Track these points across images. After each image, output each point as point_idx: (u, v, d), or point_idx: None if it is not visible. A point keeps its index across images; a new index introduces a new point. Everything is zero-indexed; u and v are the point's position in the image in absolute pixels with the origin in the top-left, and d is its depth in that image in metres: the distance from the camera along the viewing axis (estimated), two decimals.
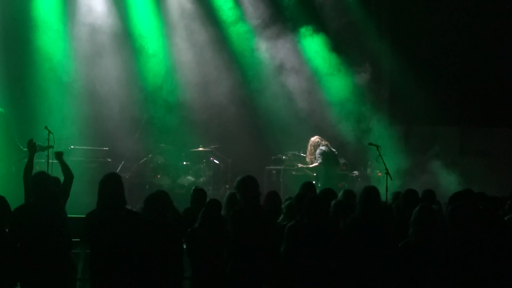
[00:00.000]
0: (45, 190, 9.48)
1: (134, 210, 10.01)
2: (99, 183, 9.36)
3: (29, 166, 11.05)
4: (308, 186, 11.50)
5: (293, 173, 18.42)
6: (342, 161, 18.49)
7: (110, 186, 9.32)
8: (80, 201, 14.19)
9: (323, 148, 17.75)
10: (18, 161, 14.82)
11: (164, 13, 20.16)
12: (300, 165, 18.17)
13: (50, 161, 14.42)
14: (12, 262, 9.17)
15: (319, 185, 17.23)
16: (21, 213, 9.35)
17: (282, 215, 10.62)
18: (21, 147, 15.01)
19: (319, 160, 17.64)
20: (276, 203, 10.85)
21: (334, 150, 18.08)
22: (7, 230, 9.30)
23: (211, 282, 9.46)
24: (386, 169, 15.17)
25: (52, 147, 14.31)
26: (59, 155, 11.66)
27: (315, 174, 17.91)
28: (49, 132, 14.28)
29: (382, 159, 15.42)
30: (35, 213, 9.24)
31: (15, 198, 10.07)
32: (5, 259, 9.15)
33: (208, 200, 10.27)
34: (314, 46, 20.46)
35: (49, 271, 9.14)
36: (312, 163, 17.90)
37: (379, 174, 17.52)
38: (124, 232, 9.03)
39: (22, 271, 9.19)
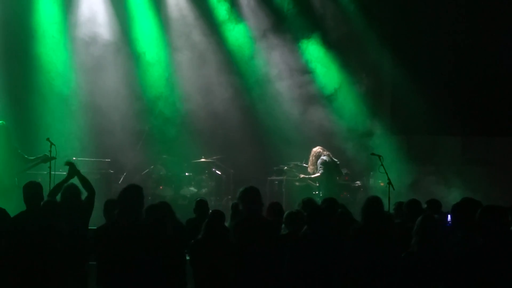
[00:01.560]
0: (38, 200, 9.47)
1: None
2: (119, 194, 9.25)
3: (60, 185, 11.17)
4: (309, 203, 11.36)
5: (296, 183, 18.40)
6: (344, 171, 18.48)
7: (129, 197, 9.21)
8: None
9: (324, 158, 17.77)
10: (21, 172, 14.84)
11: (164, 23, 20.19)
12: (302, 176, 18.18)
13: (53, 172, 14.46)
14: (9, 272, 9.16)
15: (321, 194, 17.25)
16: (15, 223, 9.35)
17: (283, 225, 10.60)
18: (26, 156, 15.02)
19: (321, 170, 17.65)
20: (279, 214, 10.83)
21: (336, 160, 18.08)
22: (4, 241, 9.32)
23: None
24: (389, 179, 15.15)
25: (54, 158, 14.36)
26: (72, 169, 11.63)
27: (317, 184, 17.93)
28: (51, 143, 14.33)
29: (385, 169, 15.40)
30: (28, 222, 9.22)
31: (18, 210, 10.05)
32: (3, 270, 9.16)
33: (211, 211, 10.26)
34: (315, 55, 20.48)
35: (44, 281, 9.10)
36: (314, 174, 17.92)
37: (382, 184, 17.52)
38: (142, 244, 8.96)
39: (18, 281, 9.16)
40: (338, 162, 18.15)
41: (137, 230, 9.07)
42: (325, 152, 17.96)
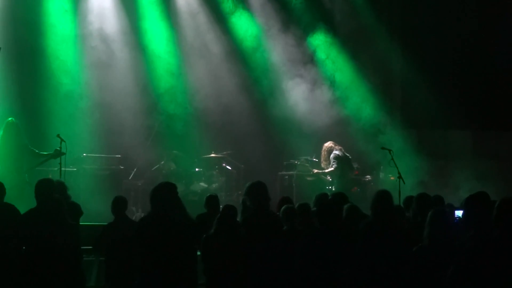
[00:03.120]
0: (49, 198, 9.46)
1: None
2: (152, 191, 9.19)
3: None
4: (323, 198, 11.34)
5: (306, 178, 18.38)
6: (355, 165, 18.45)
7: (163, 194, 9.15)
8: (93, 209, 14.25)
9: (337, 152, 17.71)
10: (31, 169, 14.87)
11: (172, 17, 20.18)
12: (315, 171, 18.14)
13: (63, 168, 14.50)
14: (17, 271, 9.17)
15: (334, 189, 17.20)
16: (25, 220, 9.36)
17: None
18: (37, 151, 15.04)
19: (334, 165, 17.57)
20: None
21: (348, 154, 18.04)
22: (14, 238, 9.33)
23: None
24: (399, 173, 15.17)
25: (64, 153, 14.42)
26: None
27: (329, 179, 17.89)
28: (61, 140, 14.38)
29: (395, 163, 15.42)
30: (39, 220, 9.22)
31: (28, 206, 10.08)
32: (11, 268, 9.17)
33: (223, 206, 10.24)
34: (324, 49, 20.48)
35: (52, 279, 9.10)
36: (326, 169, 17.88)
37: (392, 178, 17.48)
38: (173, 239, 8.94)
39: (26, 279, 9.16)
40: (350, 157, 18.12)
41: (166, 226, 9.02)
42: (337, 147, 17.92)
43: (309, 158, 18.86)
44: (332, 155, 17.72)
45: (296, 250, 9.22)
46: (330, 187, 17.62)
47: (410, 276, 8.40)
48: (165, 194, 9.08)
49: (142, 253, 8.99)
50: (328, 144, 18.00)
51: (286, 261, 9.30)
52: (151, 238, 8.90)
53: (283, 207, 10.28)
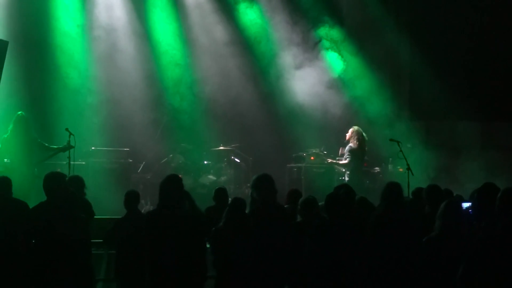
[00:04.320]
0: (59, 190, 9.44)
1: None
2: (160, 185, 9.25)
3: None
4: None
5: (315, 170, 18.33)
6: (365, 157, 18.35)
7: (169, 187, 9.20)
8: (102, 202, 14.25)
9: (352, 145, 17.34)
10: (40, 162, 14.88)
11: (180, 11, 20.17)
12: (330, 160, 18.00)
13: (72, 162, 14.52)
14: (26, 265, 9.18)
15: (346, 179, 17.06)
16: (35, 214, 9.35)
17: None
18: (46, 144, 15.06)
19: (348, 159, 17.28)
20: (299, 201, 10.79)
21: (365, 148, 17.65)
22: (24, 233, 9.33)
23: (235, 281, 9.44)
24: (408, 164, 15.13)
25: (73, 147, 14.44)
26: None
27: (344, 170, 17.70)
28: (70, 133, 14.41)
29: (403, 155, 15.39)
30: (48, 214, 9.20)
31: (38, 200, 10.07)
32: (20, 263, 9.19)
33: (232, 198, 10.24)
34: (332, 41, 20.45)
35: (61, 273, 9.10)
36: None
37: (401, 170, 17.41)
38: (182, 232, 8.99)
39: (35, 272, 9.17)
40: (366, 149, 17.69)
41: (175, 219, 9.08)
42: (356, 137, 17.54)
43: (314, 150, 18.78)
44: (347, 148, 17.38)
45: (305, 242, 9.22)
46: (342, 178, 17.48)
47: (420, 266, 8.40)
48: (170, 187, 9.15)
49: (152, 246, 9.03)
50: (358, 128, 17.50)
51: (295, 253, 9.29)
52: (160, 231, 8.94)
53: (301, 199, 10.24)
